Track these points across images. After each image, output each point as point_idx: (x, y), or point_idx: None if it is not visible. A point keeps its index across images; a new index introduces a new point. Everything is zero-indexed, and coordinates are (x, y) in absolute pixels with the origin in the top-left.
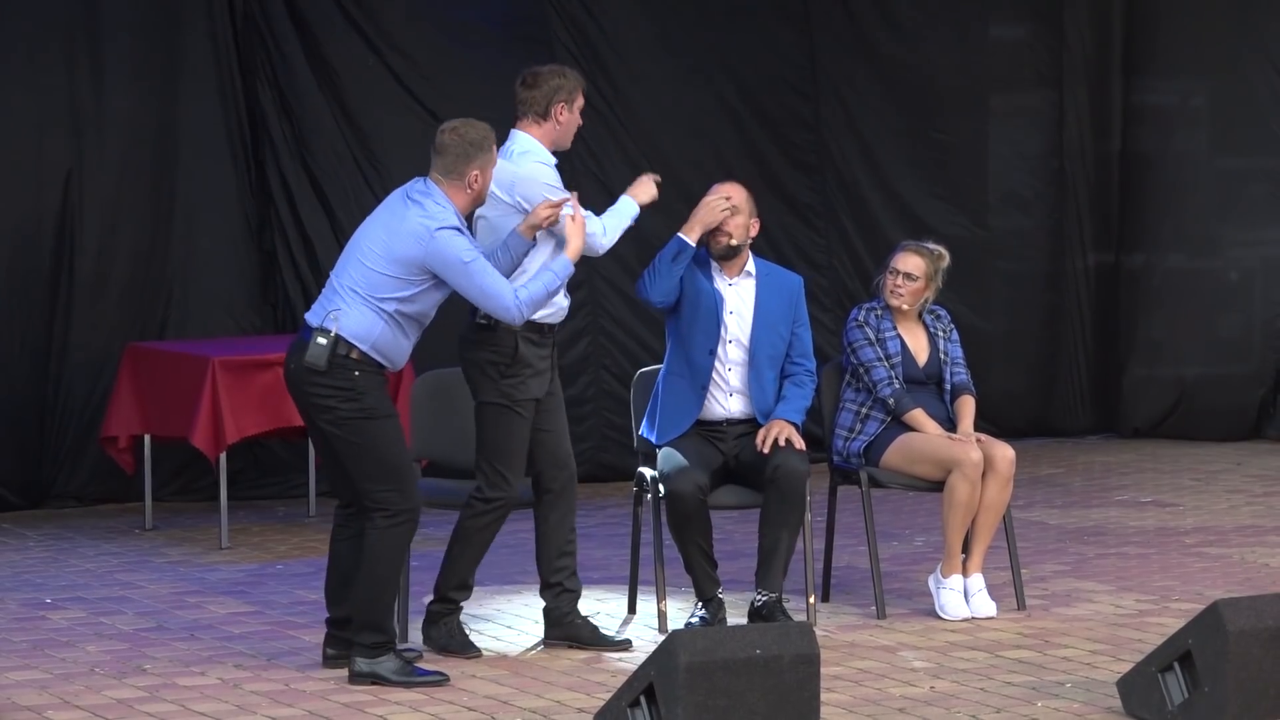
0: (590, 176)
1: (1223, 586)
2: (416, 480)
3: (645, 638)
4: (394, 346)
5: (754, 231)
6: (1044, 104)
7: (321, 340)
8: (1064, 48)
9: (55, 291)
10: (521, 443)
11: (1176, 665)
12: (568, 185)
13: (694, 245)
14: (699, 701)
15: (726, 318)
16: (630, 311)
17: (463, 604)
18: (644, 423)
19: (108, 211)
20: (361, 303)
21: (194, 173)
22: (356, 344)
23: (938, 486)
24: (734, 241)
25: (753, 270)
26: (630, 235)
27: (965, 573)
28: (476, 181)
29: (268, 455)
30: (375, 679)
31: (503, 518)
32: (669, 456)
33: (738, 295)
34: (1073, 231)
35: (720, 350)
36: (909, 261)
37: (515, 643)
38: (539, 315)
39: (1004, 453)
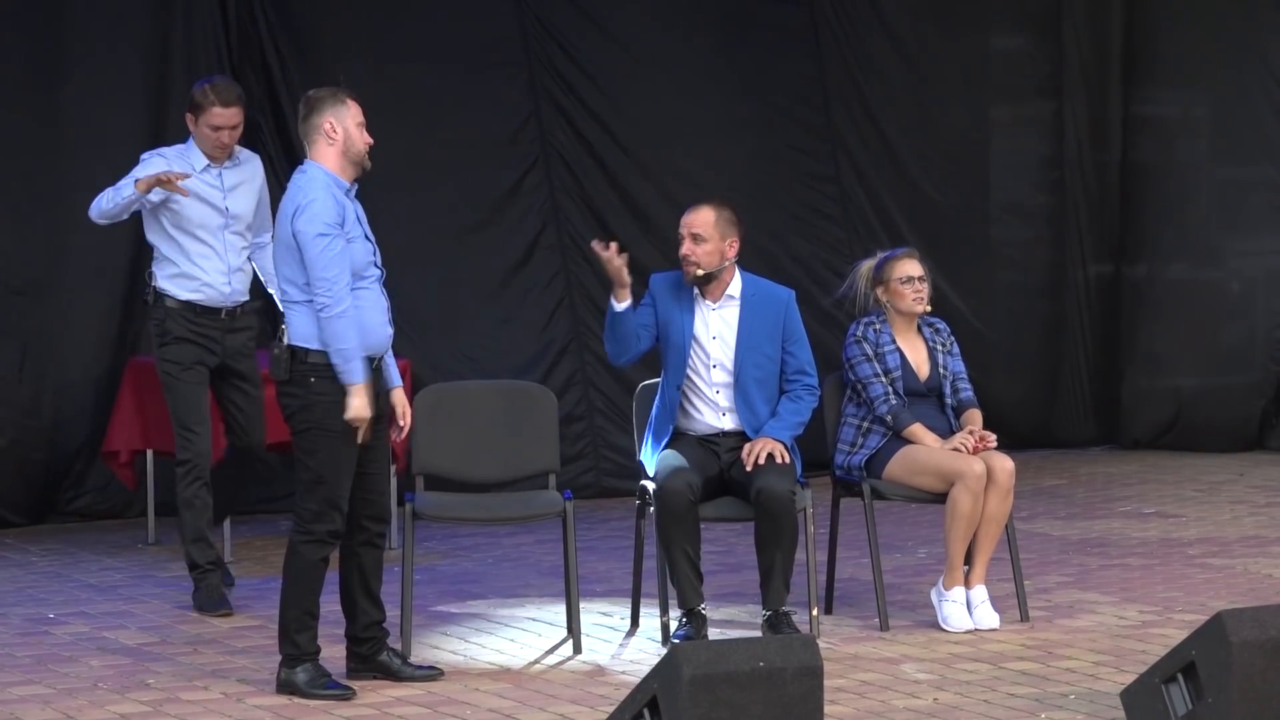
0: (574, 199)
1: (1226, 597)
2: (341, 508)
3: (648, 650)
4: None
5: (731, 253)
6: (1044, 115)
7: (277, 352)
8: (1063, 58)
9: (57, 305)
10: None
11: (1180, 676)
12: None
13: (620, 307)
14: (702, 714)
15: (710, 343)
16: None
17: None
18: (642, 445)
19: (111, 227)
20: (297, 307)
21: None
22: (308, 346)
23: (940, 498)
24: (701, 271)
25: (736, 293)
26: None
27: (968, 585)
28: (334, 130)
29: (269, 469)
30: (291, 688)
31: (192, 479)
32: (666, 459)
33: (721, 319)
34: (1073, 242)
35: (706, 373)
36: (913, 266)
37: (519, 655)
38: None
39: (1003, 464)
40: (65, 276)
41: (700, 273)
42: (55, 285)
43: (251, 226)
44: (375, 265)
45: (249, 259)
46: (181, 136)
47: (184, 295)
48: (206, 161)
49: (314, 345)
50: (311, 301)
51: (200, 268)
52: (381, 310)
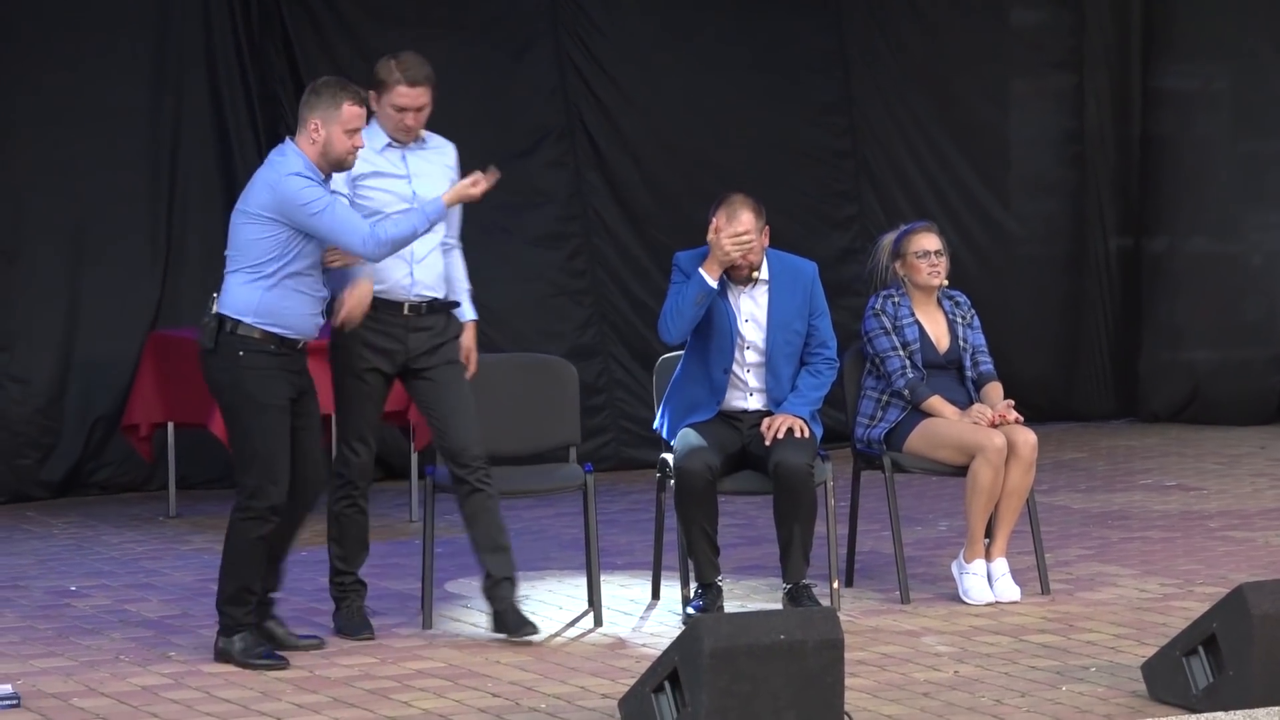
0: (598, 172)
1: (1247, 570)
2: (279, 482)
3: (669, 623)
4: (285, 312)
5: (766, 242)
6: (1065, 88)
7: (206, 320)
8: (1084, 31)
9: (78, 280)
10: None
11: (1201, 649)
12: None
13: (715, 285)
14: (723, 687)
15: (743, 325)
16: (629, 302)
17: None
18: (659, 414)
19: (130, 201)
20: (239, 275)
21: (213, 158)
22: (240, 318)
23: (961, 471)
24: (755, 273)
25: (765, 276)
26: (637, 228)
27: (989, 557)
28: (317, 132)
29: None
30: (227, 657)
31: (342, 495)
32: (686, 436)
33: (752, 302)
34: (1094, 215)
35: (738, 354)
36: (930, 240)
37: (540, 628)
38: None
39: (1026, 437)
40: (81, 249)
41: (755, 274)
42: (71, 258)
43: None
44: (319, 263)
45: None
46: (198, 110)
47: None
48: (387, 142)
49: (246, 318)
50: (241, 271)
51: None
52: (313, 303)
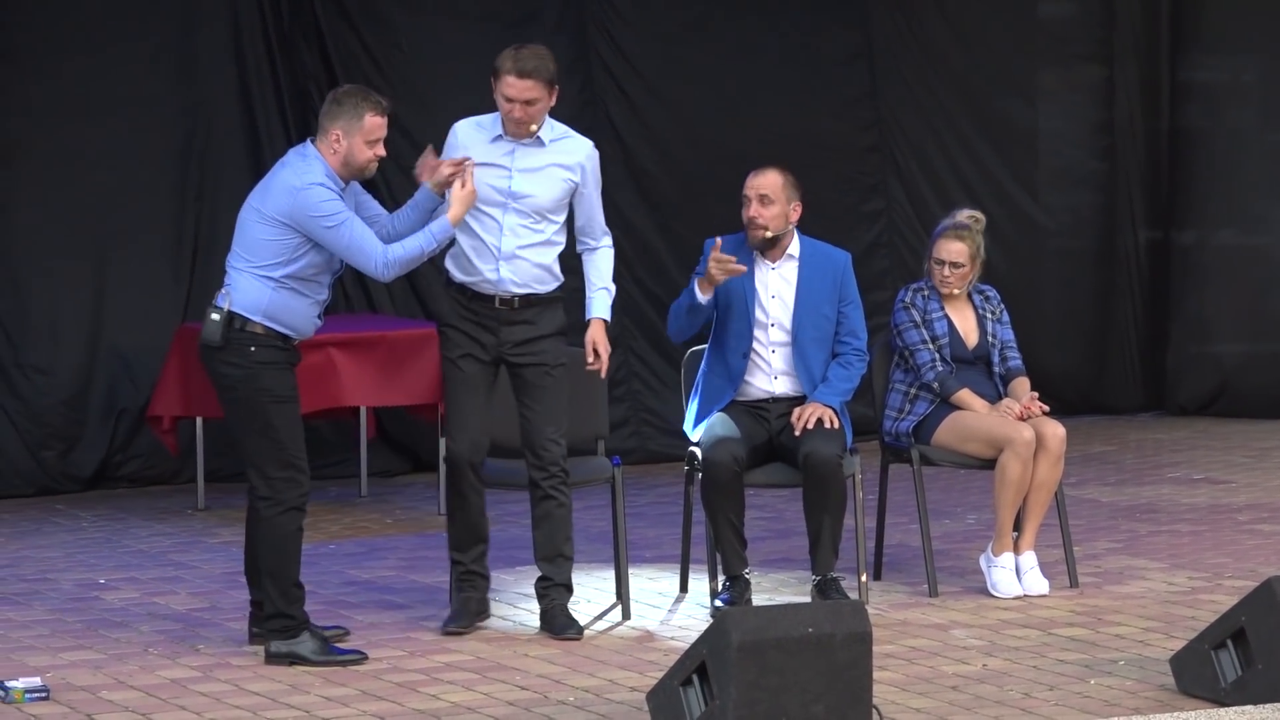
0: (622, 167)
1: (1276, 563)
2: (305, 471)
3: (697, 616)
4: (290, 312)
5: (795, 216)
6: (1094, 81)
7: (215, 316)
8: (1113, 24)
9: (107, 272)
10: (452, 396)
11: (1230, 642)
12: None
13: (704, 301)
14: (751, 680)
15: (769, 302)
16: (650, 295)
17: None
18: (687, 412)
19: (158, 195)
20: (249, 274)
21: (242, 153)
22: (249, 316)
23: (989, 464)
24: (769, 233)
25: (796, 253)
26: (659, 221)
27: (1017, 551)
28: (338, 142)
29: (318, 436)
30: (293, 659)
31: (452, 480)
32: (712, 427)
33: (780, 278)
34: (1124, 208)
35: (762, 334)
36: (951, 249)
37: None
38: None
39: (1055, 430)
40: (107, 242)
41: (768, 235)
42: (97, 251)
43: (548, 214)
44: (334, 270)
45: (554, 252)
46: (227, 104)
47: (459, 277)
48: (499, 133)
49: (254, 316)
50: (248, 271)
51: (471, 248)
52: (314, 305)
